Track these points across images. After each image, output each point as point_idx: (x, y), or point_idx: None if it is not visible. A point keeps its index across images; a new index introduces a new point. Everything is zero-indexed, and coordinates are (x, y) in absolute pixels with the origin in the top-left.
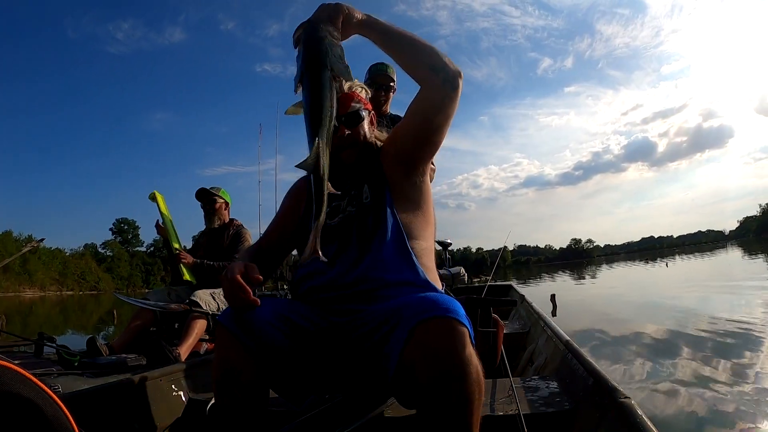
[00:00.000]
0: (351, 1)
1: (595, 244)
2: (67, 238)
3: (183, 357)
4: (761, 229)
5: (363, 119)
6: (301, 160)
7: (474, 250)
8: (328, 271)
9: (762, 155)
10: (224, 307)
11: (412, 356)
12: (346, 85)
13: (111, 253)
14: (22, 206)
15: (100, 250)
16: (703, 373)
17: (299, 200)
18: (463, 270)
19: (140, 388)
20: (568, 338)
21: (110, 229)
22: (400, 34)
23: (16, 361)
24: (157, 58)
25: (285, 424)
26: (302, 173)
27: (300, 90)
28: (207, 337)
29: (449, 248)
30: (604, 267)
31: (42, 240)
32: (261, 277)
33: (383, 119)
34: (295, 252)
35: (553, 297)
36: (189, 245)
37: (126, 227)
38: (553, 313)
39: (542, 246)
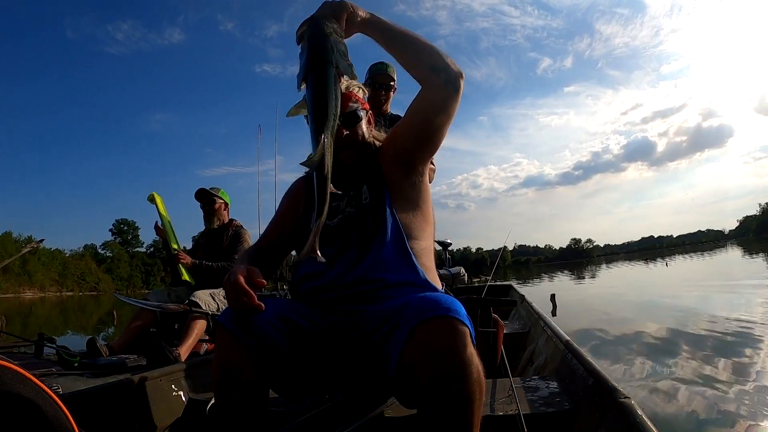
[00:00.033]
0: None
1: (594, 244)
2: (66, 238)
3: (183, 357)
4: (761, 228)
5: (361, 119)
6: (306, 158)
7: (474, 250)
8: (328, 272)
9: (762, 154)
10: (224, 308)
11: (413, 356)
12: (343, 85)
13: (111, 254)
14: (22, 207)
15: (99, 250)
16: (703, 372)
17: (298, 200)
18: (463, 270)
19: (140, 389)
20: (568, 338)
21: (110, 230)
22: (402, 34)
23: (16, 362)
24: (156, 58)
25: (285, 424)
26: (300, 173)
27: (303, 87)
28: (207, 337)
29: (449, 248)
30: (604, 267)
31: (42, 241)
32: (264, 281)
33: (381, 119)
34: (294, 252)
35: (552, 297)
36: (189, 246)
37: (126, 228)
38: (553, 313)
39: (542, 246)
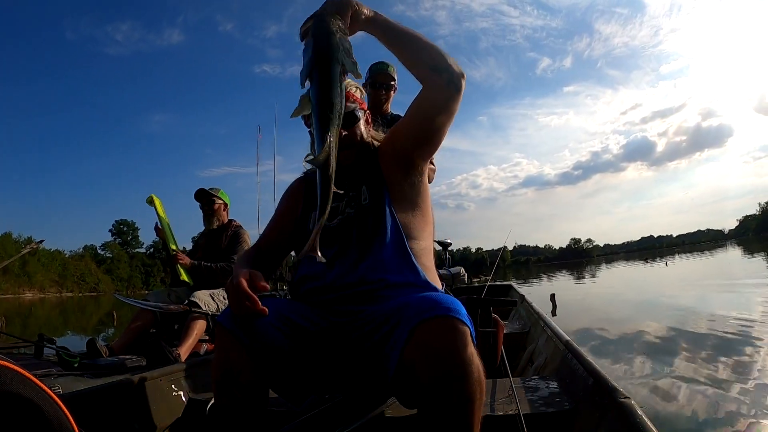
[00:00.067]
0: None
1: (594, 244)
2: (66, 239)
3: (183, 358)
4: (761, 227)
5: (359, 119)
6: (311, 156)
7: (474, 250)
8: (328, 273)
9: (761, 154)
10: (224, 308)
11: (413, 356)
12: None
13: (110, 255)
14: (22, 208)
15: (99, 251)
16: (703, 370)
17: (296, 201)
18: (463, 270)
19: (140, 389)
20: (568, 338)
21: (110, 231)
22: (405, 33)
23: (17, 363)
24: (155, 59)
25: (285, 424)
26: (298, 174)
27: (307, 84)
28: (207, 337)
29: (449, 248)
30: (604, 267)
31: (41, 241)
32: (267, 285)
33: (379, 119)
34: (294, 253)
35: (552, 297)
36: (188, 246)
37: (125, 228)
38: (553, 313)
39: (542, 246)
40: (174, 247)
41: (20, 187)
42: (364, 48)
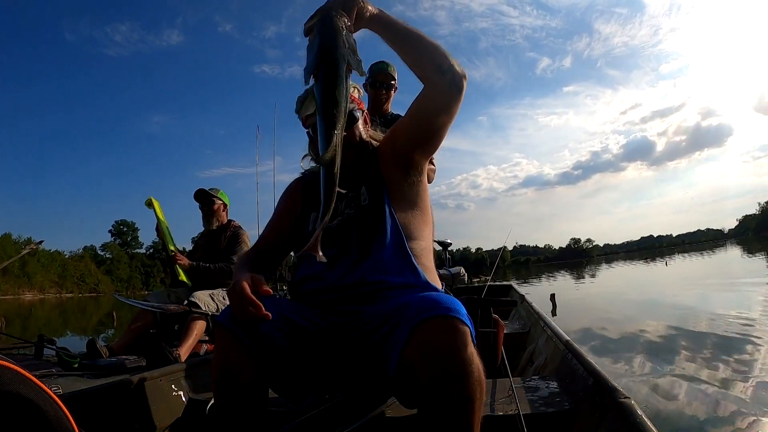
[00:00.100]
0: None
1: (594, 244)
2: (66, 240)
3: (183, 358)
4: (760, 227)
5: (358, 119)
6: (310, 156)
7: (474, 250)
8: (328, 274)
9: (761, 153)
10: (223, 308)
11: (413, 356)
12: None
13: (110, 255)
14: (21, 209)
15: (99, 252)
16: (703, 370)
17: (295, 201)
18: (463, 270)
19: (140, 389)
20: (568, 338)
21: (109, 231)
22: (410, 32)
23: (17, 363)
24: (155, 60)
25: (285, 424)
26: (297, 174)
27: (311, 82)
28: (206, 338)
29: (449, 248)
30: (604, 266)
31: (41, 242)
32: (270, 290)
33: (377, 119)
34: (293, 253)
35: (552, 297)
36: (188, 247)
37: (125, 229)
38: (553, 313)
39: (542, 246)
40: (173, 248)
41: (20, 188)
42: (364, 47)
